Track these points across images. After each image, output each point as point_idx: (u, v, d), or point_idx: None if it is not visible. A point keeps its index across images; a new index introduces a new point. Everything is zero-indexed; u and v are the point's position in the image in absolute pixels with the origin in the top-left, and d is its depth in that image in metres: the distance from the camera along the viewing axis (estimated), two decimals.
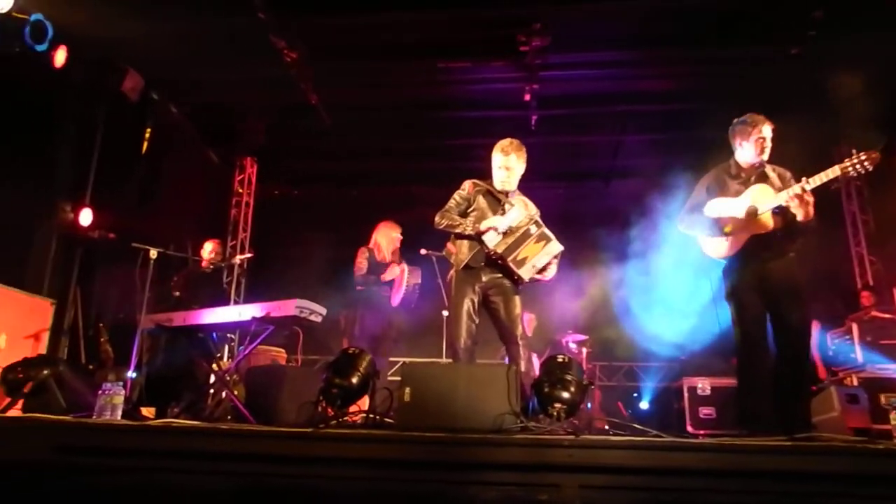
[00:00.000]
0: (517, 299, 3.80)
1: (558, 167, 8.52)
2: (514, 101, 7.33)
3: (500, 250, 3.73)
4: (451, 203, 3.97)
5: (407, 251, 5.62)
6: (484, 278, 3.80)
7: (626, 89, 7.30)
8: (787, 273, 3.62)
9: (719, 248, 3.82)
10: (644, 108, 7.65)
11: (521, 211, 3.86)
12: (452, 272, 3.87)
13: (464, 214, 3.91)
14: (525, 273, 3.75)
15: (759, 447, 2.27)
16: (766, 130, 3.75)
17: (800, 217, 3.51)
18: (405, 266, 5.44)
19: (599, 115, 7.84)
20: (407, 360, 6.13)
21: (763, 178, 3.74)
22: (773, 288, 3.60)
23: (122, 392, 3.03)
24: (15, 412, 3.44)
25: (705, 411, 5.82)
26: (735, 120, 3.90)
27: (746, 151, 3.80)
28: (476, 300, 3.75)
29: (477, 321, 3.73)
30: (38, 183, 5.88)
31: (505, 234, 3.77)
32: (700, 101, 7.23)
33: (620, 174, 9.03)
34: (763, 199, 3.64)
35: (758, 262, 3.67)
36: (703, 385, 5.88)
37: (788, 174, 3.71)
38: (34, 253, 5.84)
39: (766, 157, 3.75)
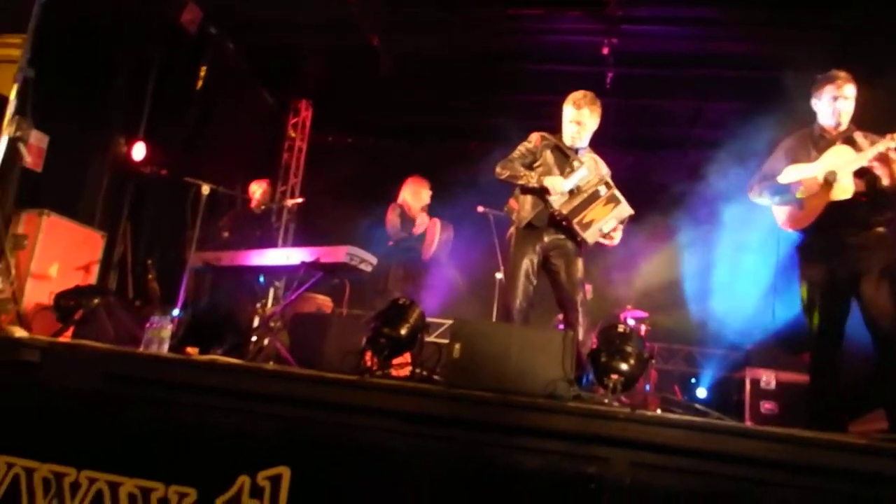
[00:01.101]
0: (580, 263, 3.75)
1: (631, 132, 8.30)
2: (589, 56, 7.13)
3: (565, 211, 3.67)
4: (515, 153, 3.90)
5: (463, 210, 5.62)
6: (546, 238, 3.76)
7: (714, 51, 7.03)
8: (873, 250, 3.36)
9: (793, 218, 3.60)
10: (731, 74, 7.36)
11: (591, 170, 3.77)
12: (512, 230, 3.85)
13: (528, 167, 3.84)
14: (590, 236, 3.68)
15: (830, 442, 2.21)
16: (846, 89, 3.49)
17: (886, 181, 3.27)
18: (436, 219, 5.46)
19: (681, 77, 7.59)
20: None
21: (849, 142, 3.49)
22: (856, 267, 3.36)
23: (170, 326, 3.16)
24: (65, 339, 3.64)
25: (767, 406, 5.68)
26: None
27: (822, 110, 3.57)
28: (535, 261, 3.72)
29: (534, 283, 3.71)
30: (94, 115, 6.09)
31: (572, 193, 3.70)
32: (792, 70, 6.91)
33: (699, 144, 8.76)
34: (843, 162, 3.39)
35: (837, 235, 3.43)
36: (768, 378, 5.73)
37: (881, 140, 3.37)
38: (88, 185, 6.09)
39: (844, 118, 3.51)
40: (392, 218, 5.51)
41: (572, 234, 3.73)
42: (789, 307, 5.99)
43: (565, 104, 3.88)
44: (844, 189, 3.37)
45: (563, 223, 3.70)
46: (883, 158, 3.24)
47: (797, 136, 3.74)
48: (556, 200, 3.68)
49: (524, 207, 3.81)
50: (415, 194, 5.56)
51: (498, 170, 3.87)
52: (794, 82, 6.67)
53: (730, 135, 8.24)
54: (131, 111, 6.46)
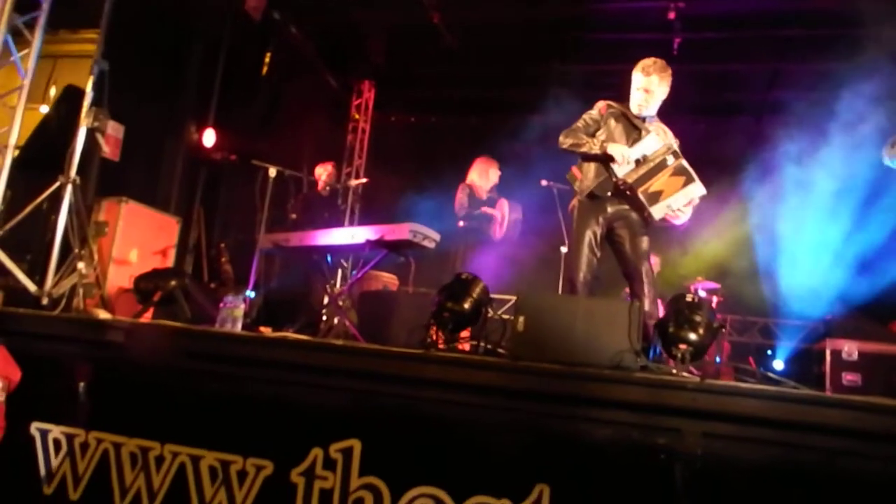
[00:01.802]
0: (645, 234, 3.67)
1: (702, 99, 8.00)
2: (655, 22, 6.91)
3: (630, 180, 3.55)
4: (580, 123, 3.82)
5: (528, 184, 5.58)
6: (609, 209, 3.68)
7: (787, 8, 6.68)
8: None
9: None
10: (807, 33, 6.98)
11: (658, 139, 3.65)
12: (575, 200, 3.78)
13: (592, 136, 3.75)
14: (657, 211, 3.56)
15: None
16: None
17: None
18: (505, 200, 5.45)
19: (753, 39, 7.25)
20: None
21: None
22: None
23: (243, 305, 3.28)
24: (145, 320, 3.83)
25: (849, 377, 5.44)
26: None
27: None
28: (599, 232, 3.65)
29: (598, 254, 3.65)
30: (167, 103, 6.34)
31: (637, 162, 3.59)
32: (874, 25, 6.50)
33: (774, 109, 8.38)
34: None
35: None
36: (850, 349, 5.48)
37: None
38: (163, 173, 6.35)
39: None
40: (461, 198, 5.56)
41: (638, 206, 3.63)
42: (874, 276, 5.73)
43: (634, 71, 3.77)
44: None
45: (628, 192, 3.59)
46: None
47: None
48: (621, 169, 3.59)
49: (587, 176, 3.73)
50: (483, 174, 5.59)
51: (561, 138, 3.80)
52: (878, 40, 6.32)
53: (807, 98, 7.89)
54: (201, 99, 6.68)
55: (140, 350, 2.84)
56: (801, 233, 6.74)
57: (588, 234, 3.65)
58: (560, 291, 5.37)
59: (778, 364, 7.23)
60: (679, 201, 3.57)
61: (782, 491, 2.09)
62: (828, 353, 5.61)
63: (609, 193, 3.66)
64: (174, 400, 2.73)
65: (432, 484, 2.30)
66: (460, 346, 2.99)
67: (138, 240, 5.22)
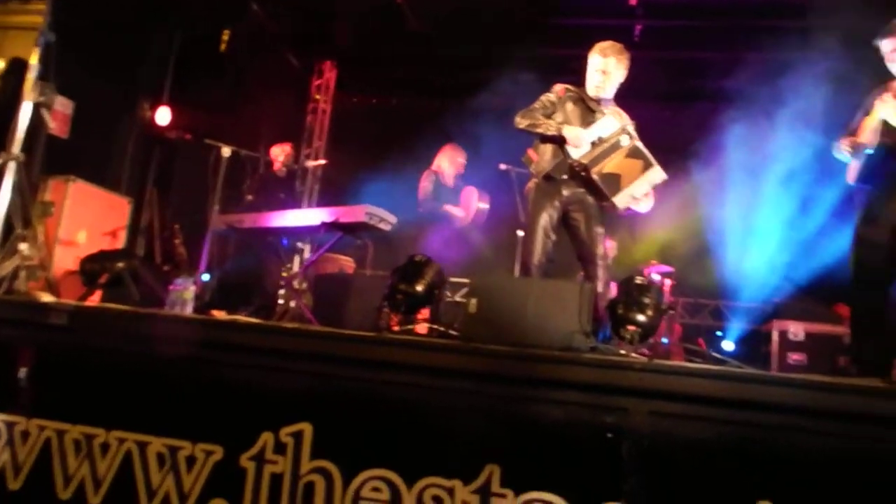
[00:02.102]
0: (601, 217, 3.69)
1: (662, 86, 8.08)
2: (616, 8, 6.95)
3: (584, 161, 3.56)
4: (537, 104, 3.83)
5: (486, 169, 5.58)
6: (565, 192, 3.69)
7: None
8: None
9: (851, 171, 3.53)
10: (765, 24, 7.08)
11: (615, 120, 3.68)
12: (531, 183, 3.79)
13: (549, 118, 3.76)
14: (621, 201, 3.57)
15: (853, 387, 2.18)
16: (888, 44, 3.35)
17: None
18: (474, 189, 5.46)
19: (713, 28, 7.34)
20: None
21: None
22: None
23: (193, 288, 3.21)
24: (92, 302, 3.73)
25: (795, 357, 5.63)
26: None
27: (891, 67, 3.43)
28: (555, 215, 3.66)
29: (554, 238, 3.66)
30: (120, 79, 6.12)
31: (593, 144, 3.60)
32: (836, 17, 6.63)
33: (731, 96, 8.51)
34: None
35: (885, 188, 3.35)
36: (796, 329, 5.66)
37: None
38: (113, 150, 6.15)
39: None
40: (425, 185, 5.56)
41: (596, 191, 3.64)
42: (820, 259, 5.89)
43: (591, 53, 3.79)
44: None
45: (583, 174, 3.61)
46: None
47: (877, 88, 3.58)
48: (576, 151, 3.60)
49: (543, 158, 3.74)
50: (451, 162, 5.64)
51: (517, 118, 3.80)
52: (835, 32, 6.44)
53: (762, 87, 8.02)
54: (156, 75, 6.48)
55: (85, 334, 2.76)
56: (751, 218, 6.89)
57: (543, 218, 3.65)
58: (516, 275, 5.41)
59: (728, 345, 7.42)
60: (641, 189, 3.60)
61: (726, 466, 2.13)
62: (775, 333, 5.78)
63: (565, 176, 3.66)
64: (120, 385, 2.66)
65: (384, 466, 2.29)
66: (415, 329, 2.98)
67: (87, 220, 5.06)
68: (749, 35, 7.35)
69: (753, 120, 7.48)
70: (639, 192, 3.61)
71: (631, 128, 3.72)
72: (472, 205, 5.41)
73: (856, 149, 3.48)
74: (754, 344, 6.66)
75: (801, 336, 5.64)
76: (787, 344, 5.66)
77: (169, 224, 6.22)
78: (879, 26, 3.50)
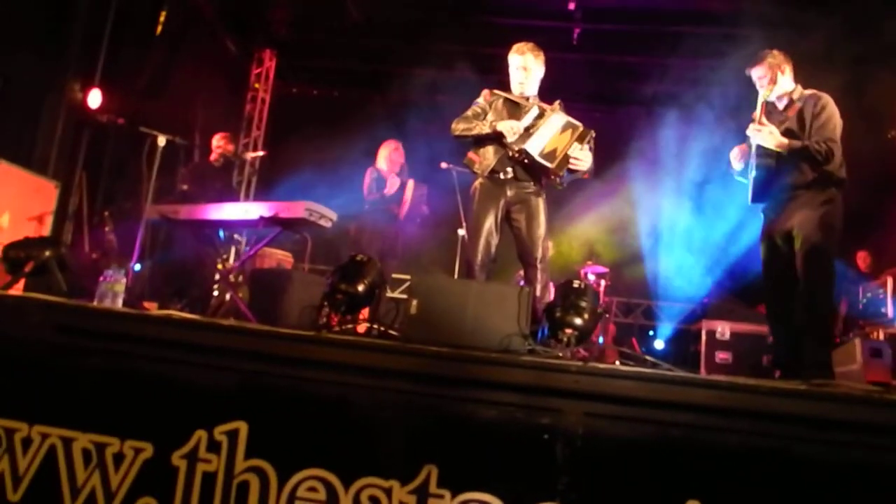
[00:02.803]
0: (542, 219, 3.75)
1: (597, 88, 8.27)
2: (555, 11, 7.06)
3: (523, 146, 3.65)
4: (469, 112, 3.93)
5: (428, 165, 5.60)
6: (510, 192, 3.75)
7: (684, 7, 6.99)
8: (795, 210, 3.59)
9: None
10: (699, 30, 7.32)
11: (541, 110, 3.80)
12: (476, 183, 3.82)
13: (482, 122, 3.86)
14: (559, 167, 3.65)
15: (772, 389, 2.29)
16: (756, 72, 3.71)
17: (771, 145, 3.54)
18: (411, 180, 5.49)
19: (649, 34, 7.54)
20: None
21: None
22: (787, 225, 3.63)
23: (124, 280, 3.10)
24: (16, 291, 3.54)
25: (722, 356, 5.87)
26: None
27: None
28: (499, 215, 3.71)
29: (497, 238, 3.71)
30: (48, 60, 5.83)
31: (527, 130, 3.70)
32: (762, 28, 6.91)
33: (665, 102, 8.76)
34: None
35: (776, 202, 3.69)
36: (723, 329, 5.90)
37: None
38: (40, 132, 5.87)
39: (767, 94, 3.70)
40: (368, 182, 5.60)
41: (540, 173, 3.71)
42: (744, 263, 6.15)
43: (509, 55, 3.95)
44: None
45: (525, 160, 3.68)
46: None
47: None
48: (513, 139, 3.68)
49: (486, 157, 3.79)
50: (387, 159, 5.61)
51: (453, 126, 3.90)
52: (763, 39, 6.70)
53: (693, 93, 8.29)
54: (88, 57, 6.20)
55: (7, 323, 2.62)
56: (680, 221, 7.12)
57: (488, 219, 3.70)
58: (457, 274, 5.44)
59: (659, 344, 7.67)
60: (574, 149, 3.70)
61: (657, 466, 2.19)
62: (703, 333, 6.00)
63: (509, 170, 3.73)
64: (45, 379, 2.53)
65: (321, 466, 2.26)
66: (355, 328, 2.96)
67: (10, 204, 4.82)
68: (681, 41, 7.60)
69: (685, 125, 7.73)
70: (574, 152, 3.70)
71: (560, 107, 3.85)
72: (408, 198, 5.44)
73: (743, 156, 3.79)
74: (684, 342, 6.91)
75: (727, 335, 5.87)
76: (714, 343, 5.89)
77: (98, 211, 5.98)
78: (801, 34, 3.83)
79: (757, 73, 3.74)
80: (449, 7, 7.46)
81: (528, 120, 3.72)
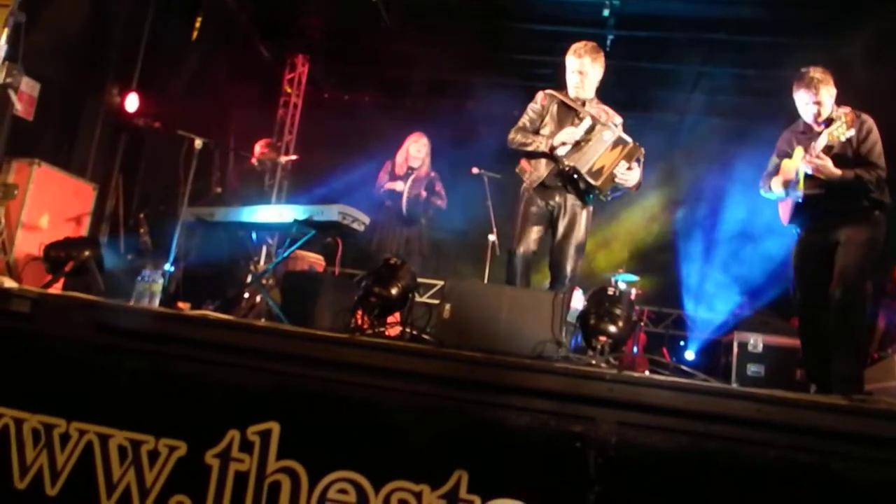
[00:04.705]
0: (581, 235, 3.74)
1: (631, 96, 8.20)
2: (589, 18, 7.03)
3: (573, 163, 3.64)
4: (525, 119, 3.91)
5: (458, 169, 5.57)
6: (557, 199, 3.76)
7: (719, 14, 6.91)
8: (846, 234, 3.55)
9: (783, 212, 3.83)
10: (734, 38, 7.24)
11: (597, 120, 3.74)
12: (524, 188, 3.83)
13: (538, 130, 3.84)
14: (605, 184, 3.63)
15: (812, 403, 2.25)
16: (822, 93, 3.57)
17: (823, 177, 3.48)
18: (412, 177, 5.38)
19: (683, 41, 7.47)
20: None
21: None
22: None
23: (161, 280, 3.15)
24: (55, 290, 3.63)
25: (753, 368, 5.77)
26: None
27: (800, 108, 3.70)
28: (546, 217, 3.75)
29: (541, 235, 3.74)
30: (87, 64, 5.97)
31: (578, 144, 3.67)
32: (797, 37, 6.81)
33: (698, 110, 8.68)
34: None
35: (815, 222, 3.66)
36: (755, 341, 5.80)
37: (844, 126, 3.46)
38: (80, 135, 6.00)
39: (823, 114, 3.60)
40: (380, 176, 5.47)
41: (586, 188, 3.69)
42: (778, 275, 6.05)
43: (567, 55, 3.86)
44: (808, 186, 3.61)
45: (574, 175, 3.66)
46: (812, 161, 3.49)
47: (787, 130, 3.89)
48: (563, 152, 3.66)
49: (538, 168, 3.80)
50: (403, 151, 5.49)
51: (510, 136, 3.89)
52: (801, 50, 6.60)
53: (729, 101, 8.19)
54: (125, 61, 6.33)
55: (48, 322, 2.68)
56: (716, 230, 7.03)
57: (534, 216, 3.74)
58: (486, 279, 5.42)
59: (689, 354, 7.56)
60: (621, 167, 3.65)
61: (689, 477, 2.17)
62: (735, 344, 5.90)
63: (558, 183, 3.73)
64: (83, 376, 2.59)
65: (351, 469, 2.27)
66: (387, 332, 2.96)
67: (50, 205, 4.94)
68: (718, 49, 7.52)
69: (718, 133, 7.64)
70: (620, 170, 3.66)
71: (619, 121, 3.82)
72: (405, 192, 5.25)
73: (787, 187, 3.72)
74: (714, 354, 6.81)
75: (759, 348, 5.77)
76: (746, 355, 5.79)
77: (134, 213, 6.09)
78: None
79: (803, 100, 3.66)
80: (481, 14, 7.46)
81: (580, 131, 3.68)
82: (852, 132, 3.37)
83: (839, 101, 3.67)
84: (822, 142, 3.44)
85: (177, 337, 2.61)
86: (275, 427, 2.36)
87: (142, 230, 5.38)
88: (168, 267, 4.44)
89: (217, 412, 2.42)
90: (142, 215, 5.58)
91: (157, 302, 3.10)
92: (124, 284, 3.50)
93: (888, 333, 6.30)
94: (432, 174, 5.49)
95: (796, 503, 2.09)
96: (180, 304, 4.07)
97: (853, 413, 2.23)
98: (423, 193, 5.30)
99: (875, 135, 3.56)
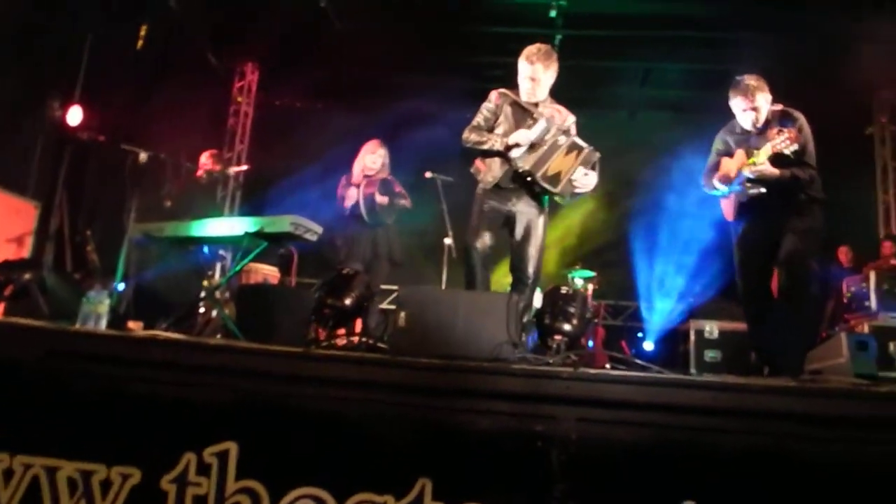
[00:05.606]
0: (539, 236, 3.74)
1: (581, 94, 8.28)
2: (537, 19, 7.08)
3: (527, 166, 3.62)
4: (479, 118, 3.89)
5: (413, 174, 5.52)
6: (513, 200, 3.75)
7: (663, 11, 7.03)
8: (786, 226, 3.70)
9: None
10: (679, 34, 7.38)
11: (551, 121, 3.74)
12: (480, 189, 3.81)
13: (492, 129, 3.83)
14: (564, 190, 3.64)
15: (762, 387, 2.29)
16: (758, 99, 3.70)
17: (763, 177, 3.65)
18: (365, 181, 5.27)
19: (630, 38, 7.58)
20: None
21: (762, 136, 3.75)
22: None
23: (107, 300, 3.04)
24: None
25: (711, 354, 5.89)
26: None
27: (736, 114, 3.84)
28: (501, 219, 3.74)
29: (496, 234, 3.73)
30: (26, 77, 5.76)
31: (532, 147, 3.65)
32: (741, 31, 6.97)
33: (647, 106, 8.82)
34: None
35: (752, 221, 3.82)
36: (711, 328, 5.92)
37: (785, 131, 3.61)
38: (19, 151, 5.79)
39: (760, 120, 3.75)
40: (339, 190, 5.37)
41: (542, 192, 3.69)
42: (728, 263, 6.19)
43: (520, 60, 3.85)
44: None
45: (528, 179, 3.65)
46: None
47: (723, 130, 4.01)
48: (517, 156, 3.65)
49: (492, 169, 3.78)
50: (359, 162, 5.38)
51: (465, 135, 3.87)
52: (747, 44, 6.76)
53: (677, 95, 8.35)
54: (66, 72, 6.13)
55: None
56: (667, 222, 7.15)
57: (490, 215, 3.74)
58: (444, 283, 5.39)
59: (648, 345, 7.67)
60: (579, 172, 3.67)
61: (651, 468, 2.18)
62: (692, 332, 6.01)
63: (512, 185, 3.72)
64: (28, 406, 2.47)
65: (313, 484, 2.22)
66: (342, 342, 2.92)
67: None
68: (666, 45, 7.64)
69: (666, 127, 7.77)
70: (577, 176, 3.68)
71: (572, 122, 3.85)
72: (359, 195, 5.15)
73: (727, 182, 3.86)
74: (672, 343, 6.92)
75: (715, 334, 5.89)
76: (703, 342, 5.91)
77: (80, 230, 5.90)
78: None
79: (738, 106, 3.79)
80: (431, 17, 7.45)
81: (535, 133, 3.66)
82: (796, 146, 3.51)
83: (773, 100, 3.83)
84: (765, 152, 3.57)
85: (126, 359, 2.52)
86: (232, 447, 2.29)
87: (89, 248, 5.21)
88: (117, 285, 4.30)
89: (171, 435, 2.34)
90: (88, 233, 5.40)
91: (103, 323, 2.99)
92: (71, 306, 3.37)
93: (836, 313, 6.50)
94: (389, 177, 5.41)
95: (757, 486, 2.12)
96: (131, 324, 3.95)
97: (802, 394, 2.29)
98: (385, 199, 5.21)
99: (808, 134, 3.71)
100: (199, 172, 5.83)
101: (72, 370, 2.52)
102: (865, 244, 7.34)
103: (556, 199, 3.73)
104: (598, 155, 3.74)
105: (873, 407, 2.19)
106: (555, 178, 3.63)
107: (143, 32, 6.94)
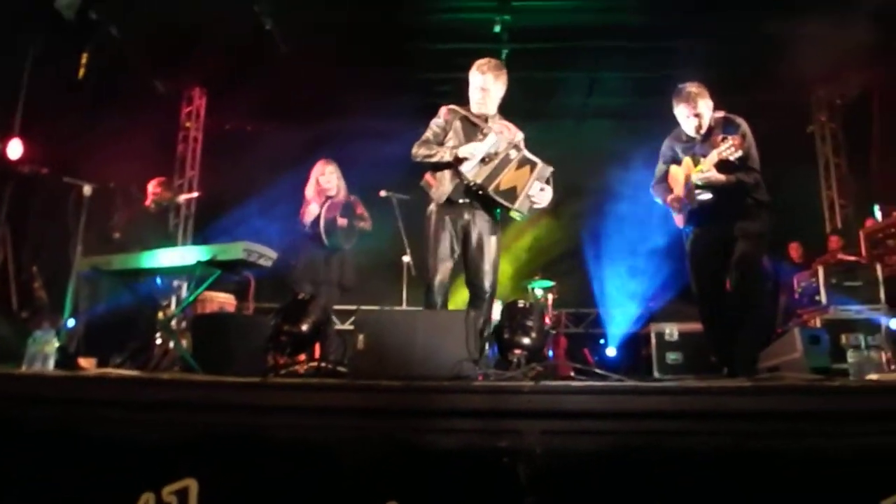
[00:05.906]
0: (494, 251, 3.73)
1: (529, 106, 8.38)
2: (482, 34, 7.17)
3: (479, 180, 3.62)
4: (428, 133, 3.88)
5: (368, 192, 5.49)
6: (466, 217, 3.74)
7: (605, 22, 7.18)
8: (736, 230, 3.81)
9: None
10: (622, 44, 7.54)
11: (501, 136, 3.75)
12: (432, 206, 3.78)
13: (441, 144, 3.82)
14: (522, 206, 3.65)
15: (719, 389, 2.34)
16: (700, 105, 3.82)
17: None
18: (327, 203, 5.20)
19: (574, 49, 7.71)
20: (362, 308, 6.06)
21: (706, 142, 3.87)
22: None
23: (55, 340, 2.94)
24: None
25: (672, 357, 5.98)
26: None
27: (681, 121, 3.96)
28: (456, 238, 3.70)
29: (455, 260, 3.69)
30: None
31: (484, 161, 3.65)
32: (681, 39, 7.17)
33: (594, 114, 8.97)
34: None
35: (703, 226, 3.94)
36: (671, 330, 6.02)
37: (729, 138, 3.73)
38: None
39: (703, 125, 3.86)
40: (302, 212, 5.24)
41: (495, 206, 3.69)
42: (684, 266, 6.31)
43: (471, 72, 3.87)
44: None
45: (480, 193, 3.65)
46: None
47: (670, 137, 4.13)
48: (469, 170, 3.64)
49: (442, 183, 3.76)
50: (312, 185, 5.27)
51: (413, 150, 3.85)
52: (686, 51, 6.93)
53: (623, 103, 8.51)
54: (4, 104, 5.94)
55: None
56: (622, 228, 7.25)
57: (446, 239, 3.69)
58: (404, 301, 5.36)
59: (611, 351, 7.75)
60: (535, 188, 3.70)
61: (617, 474, 2.19)
62: (653, 335, 6.10)
63: (465, 199, 3.72)
64: None
65: None
66: (302, 368, 2.87)
67: None
68: (610, 55, 7.80)
69: (615, 135, 7.91)
70: (534, 192, 3.70)
71: (521, 138, 3.87)
72: (321, 219, 5.04)
73: (681, 204, 4.00)
74: (635, 347, 7.00)
75: (675, 336, 5.99)
76: (664, 345, 6.00)
77: (26, 266, 5.70)
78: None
79: (682, 113, 3.90)
80: (377, 34, 7.47)
81: (485, 147, 3.67)
82: (740, 153, 3.62)
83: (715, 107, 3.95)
84: (711, 159, 3.68)
85: (76, 399, 2.44)
86: (192, 484, 2.23)
87: (36, 285, 5.04)
88: (66, 322, 4.17)
89: (128, 476, 2.27)
90: (35, 269, 5.23)
91: (51, 364, 2.89)
92: (16, 347, 3.25)
93: (789, 309, 6.67)
94: (351, 198, 5.34)
95: (722, 486, 2.14)
96: (82, 361, 3.82)
97: (758, 393, 2.34)
98: (344, 221, 5.14)
99: (751, 140, 3.84)
100: (148, 202, 5.71)
101: (19, 415, 2.42)
102: (814, 240, 7.57)
103: (514, 214, 3.73)
104: (550, 169, 3.77)
105: (826, 402, 2.24)
106: (510, 194, 3.64)
107: (84, 60, 6.78)
